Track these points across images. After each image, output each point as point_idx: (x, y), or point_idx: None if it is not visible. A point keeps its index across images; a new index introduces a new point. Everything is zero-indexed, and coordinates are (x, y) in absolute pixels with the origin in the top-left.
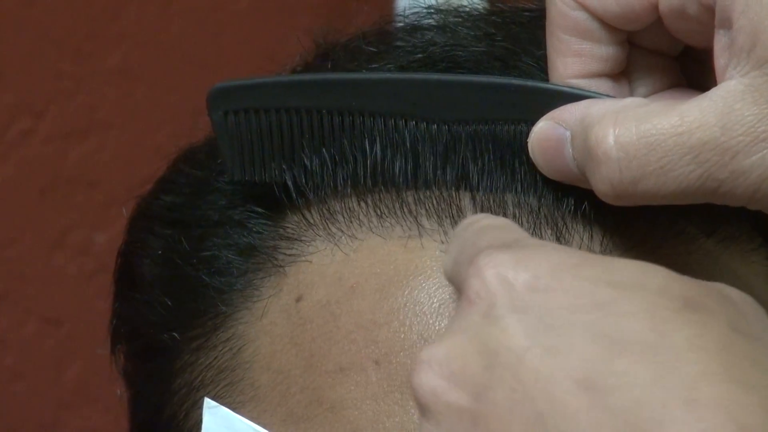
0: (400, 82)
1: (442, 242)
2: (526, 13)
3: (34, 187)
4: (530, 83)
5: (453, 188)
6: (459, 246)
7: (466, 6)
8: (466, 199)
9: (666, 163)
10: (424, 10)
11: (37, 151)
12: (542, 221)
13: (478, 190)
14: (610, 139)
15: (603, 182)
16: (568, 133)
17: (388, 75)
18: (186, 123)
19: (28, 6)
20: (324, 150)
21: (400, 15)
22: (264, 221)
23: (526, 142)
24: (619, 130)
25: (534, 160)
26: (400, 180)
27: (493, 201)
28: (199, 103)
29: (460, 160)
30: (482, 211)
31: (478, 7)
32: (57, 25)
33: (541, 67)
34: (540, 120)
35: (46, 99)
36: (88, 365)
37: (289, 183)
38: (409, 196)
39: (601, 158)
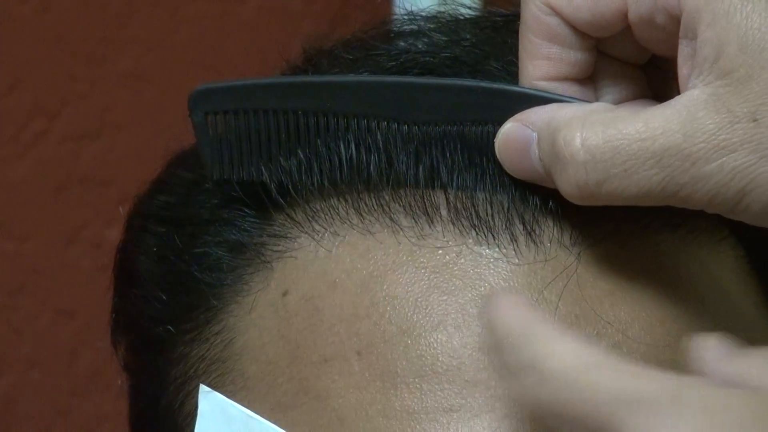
0: (373, 84)
1: (418, 238)
2: (499, 18)
3: (49, 186)
4: (497, 86)
5: (427, 186)
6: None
7: (444, 12)
8: (440, 198)
9: (630, 166)
10: (405, 17)
11: (51, 151)
12: (514, 217)
13: (450, 187)
14: (578, 142)
15: (569, 183)
16: (534, 135)
17: (361, 78)
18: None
19: (43, 12)
20: (300, 150)
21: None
22: (252, 219)
23: (494, 142)
24: (587, 134)
25: (500, 160)
26: (376, 179)
27: (465, 198)
28: None
29: (431, 160)
30: (455, 207)
31: (461, 11)
32: (71, 31)
33: (508, 70)
34: (507, 121)
35: (60, 101)
36: (99, 354)
37: (268, 182)
38: (387, 195)
39: (568, 160)
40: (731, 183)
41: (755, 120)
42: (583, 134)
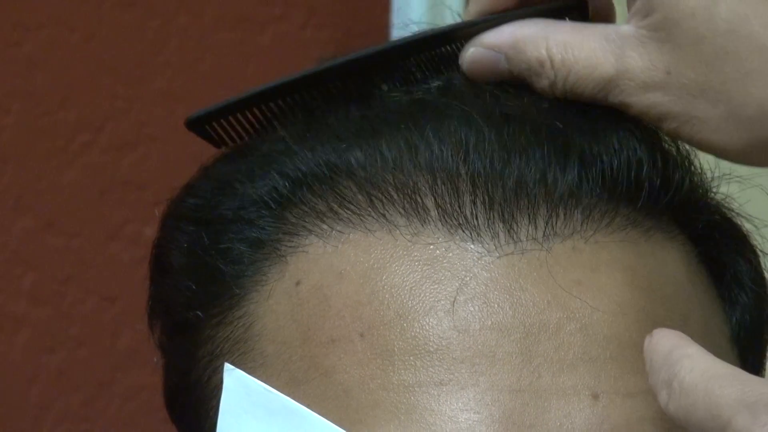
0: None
1: (412, 236)
2: None
3: (94, 189)
4: (444, 27)
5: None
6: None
7: None
8: (430, 201)
9: (581, 83)
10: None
11: (96, 159)
12: (495, 217)
13: (435, 183)
14: (548, 64)
15: (543, 87)
16: (501, 56)
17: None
18: None
19: (89, 40)
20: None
21: None
22: (269, 219)
23: (458, 63)
24: (554, 55)
25: (469, 76)
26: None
27: (453, 201)
28: None
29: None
30: (443, 209)
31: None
32: (112, 56)
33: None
34: (468, 46)
35: (103, 116)
36: (137, 335)
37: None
38: (383, 198)
39: (543, 74)
40: (650, 112)
41: (668, 72)
42: (551, 56)
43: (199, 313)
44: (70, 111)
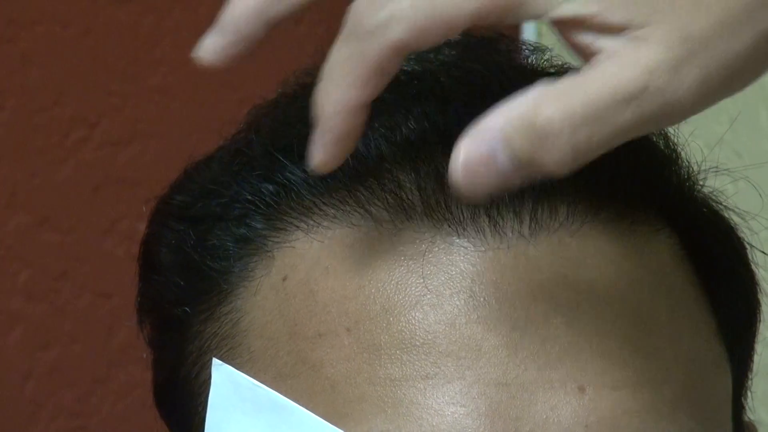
0: None
1: (398, 230)
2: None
3: (89, 185)
4: None
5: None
6: None
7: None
8: (416, 197)
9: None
10: None
11: (91, 155)
12: (480, 212)
13: (419, 177)
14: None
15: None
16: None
17: None
18: (212, 133)
19: (83, 36)
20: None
21: None
22: (256, 216)
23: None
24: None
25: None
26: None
27: (438, 196)
28: (223, 116)
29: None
30: (429, 205)
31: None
32: (107, 52)
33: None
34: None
35: (98, 112)
36: (132, 331)
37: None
38: (367, 194)
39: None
40: None
41: None
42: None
43: (187, 309)
44: (65, 107)
